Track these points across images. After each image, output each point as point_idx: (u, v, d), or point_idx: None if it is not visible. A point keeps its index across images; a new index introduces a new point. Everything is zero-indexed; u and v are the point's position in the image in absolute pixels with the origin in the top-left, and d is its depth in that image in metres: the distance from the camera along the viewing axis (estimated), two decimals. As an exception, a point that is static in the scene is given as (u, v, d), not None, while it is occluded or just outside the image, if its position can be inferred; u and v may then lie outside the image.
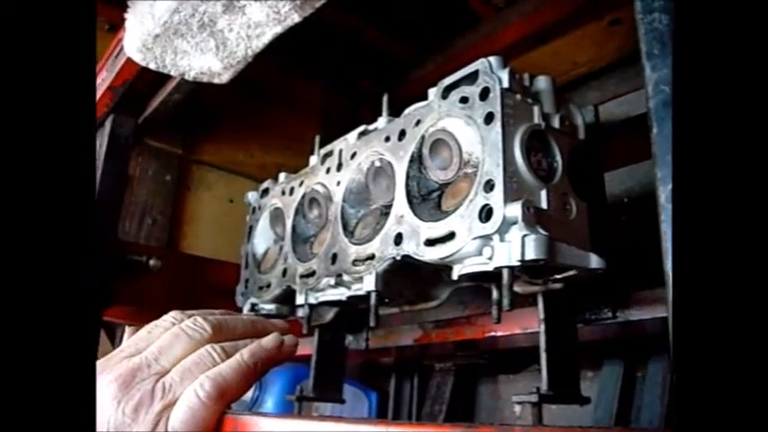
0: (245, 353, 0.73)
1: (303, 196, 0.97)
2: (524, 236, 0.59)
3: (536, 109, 0.68)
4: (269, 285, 0.99)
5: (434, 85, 0.76)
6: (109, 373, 0.67)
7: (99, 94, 1.21)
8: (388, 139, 0.81)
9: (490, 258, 0.62)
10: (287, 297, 0.96)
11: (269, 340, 0.77)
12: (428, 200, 0.75)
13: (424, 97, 0.78)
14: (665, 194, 0.42)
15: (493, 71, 0.68)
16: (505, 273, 0.61)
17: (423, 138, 0.75)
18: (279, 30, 0.93)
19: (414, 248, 0.70)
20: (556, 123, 0.71)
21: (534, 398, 0.65)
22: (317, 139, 0.99)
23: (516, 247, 0.59)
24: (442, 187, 0.74)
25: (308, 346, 1.03)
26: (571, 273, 0.66)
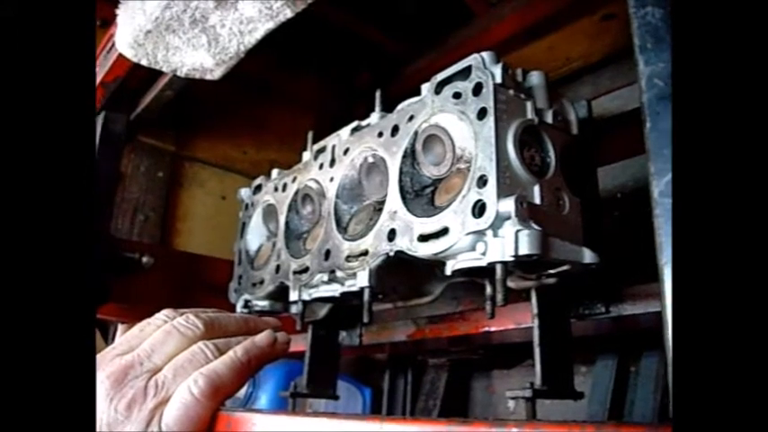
0: (239, 350, 0.73)
1: (296, 192, 0.96)
2: (518, 231, 0.59)
3: (529, 104, 0.68)
4: (262, 282, 0.98)
5: (428, 80, 0.76)
6: (101, 371, 0.66)
7: (90, 90, 1.20)
8: (381, 134, 0.80)
9: (483, 254, 0.61)
10: (280, 293, 0.96)
11: (262, 337, 0.77)
12: (421, 195, 0.75)
13: (418, 92, 0.77)
14: (658, 189, 0.41)
15: (486, 66, 0.68)
16: (499, 268, 0.61)
17: (416, 133, 0.75)
18: (271, 25, 0.92)
19: (407, 244, 0.69)
20: (549, 118, 0.71)
21: (528, 393, 0.65)
22: (310, 134, 0.99)
23: (509, 242, 0.59)
24: (435, 183, 0.74)
25: (301, 343, 1.03)
26: (564, 268, 0.66)
